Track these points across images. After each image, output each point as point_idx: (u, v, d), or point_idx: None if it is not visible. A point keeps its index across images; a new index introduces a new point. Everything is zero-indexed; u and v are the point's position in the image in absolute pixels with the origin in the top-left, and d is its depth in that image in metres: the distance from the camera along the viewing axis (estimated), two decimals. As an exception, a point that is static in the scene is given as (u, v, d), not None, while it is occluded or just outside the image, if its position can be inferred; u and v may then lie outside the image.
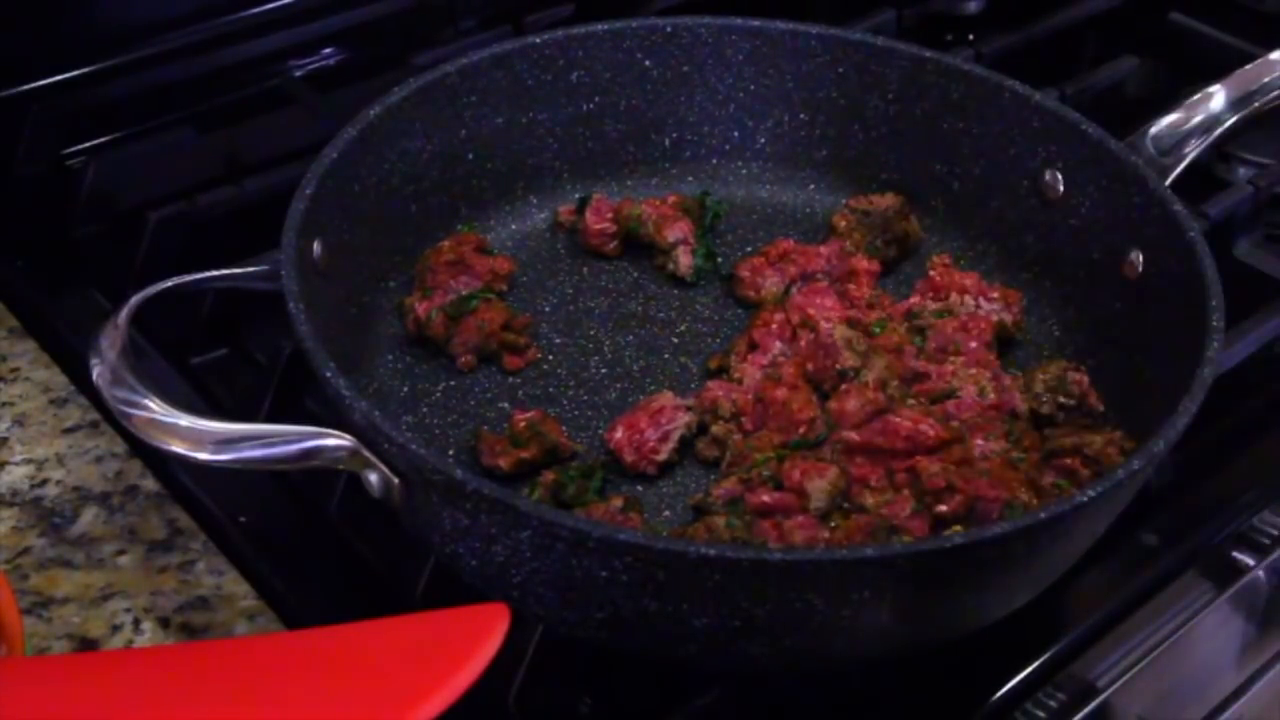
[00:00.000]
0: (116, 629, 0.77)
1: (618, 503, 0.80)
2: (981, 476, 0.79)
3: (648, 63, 1.01)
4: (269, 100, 1.13)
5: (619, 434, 0.85)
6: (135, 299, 0.78)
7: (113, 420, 0.81)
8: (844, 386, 0.85)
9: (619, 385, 0.91)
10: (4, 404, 0.90)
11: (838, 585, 0.67)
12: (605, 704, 0.76)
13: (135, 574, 0.80)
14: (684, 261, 0.98)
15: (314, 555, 0.82)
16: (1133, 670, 0.80)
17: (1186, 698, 0.88)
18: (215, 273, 0.83)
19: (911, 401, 0.85)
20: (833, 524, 0.79)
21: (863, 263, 0.96)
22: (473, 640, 0.59)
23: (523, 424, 0.84)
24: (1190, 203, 0.92)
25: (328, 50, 1.20)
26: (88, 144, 1.09)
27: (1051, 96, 0.99)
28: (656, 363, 0.92)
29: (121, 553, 0.81)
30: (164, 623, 0.77)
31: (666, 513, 0.83)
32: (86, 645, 0.76)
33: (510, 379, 0.91)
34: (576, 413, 0.89)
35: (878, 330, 0.90)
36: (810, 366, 0.87)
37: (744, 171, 1.05)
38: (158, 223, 0.98)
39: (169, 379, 0.90)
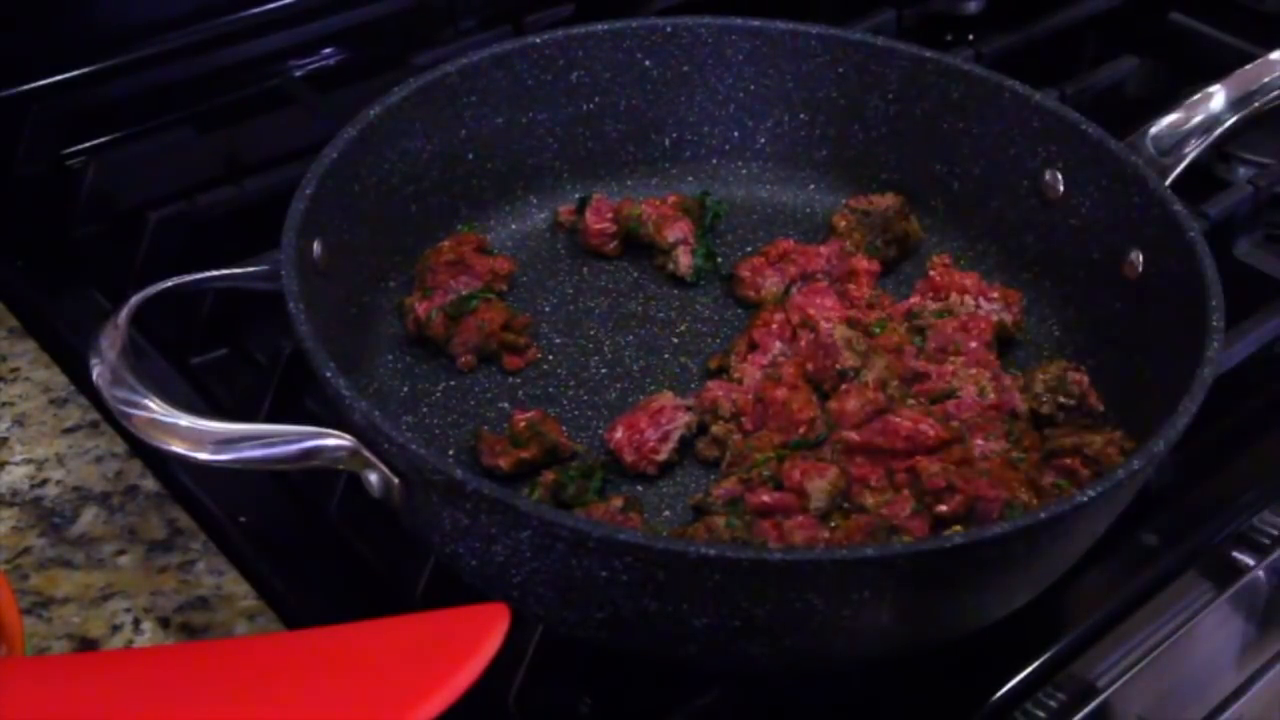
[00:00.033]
0: (116, 629, 0.77)
1: (618, 503, 0.80)
2: (981, 476, 0.79)
3: (648, 63, 1.01)
4: (269, 100, 1.13)
5: (619, 434, 0.85)
6: (135, 299, 0.78)
7: (113, 420, 0.81)
8: (844, 386, 0.85)
9: (619, 385, 0.91)
10: (4, 404, 0.90)
11: (838, 585, 0.67)
12: (605, 704, 0.76)
13: (135, 574, 0.80)
14: (684, 261, 0.98)
15: (314, 555, 0.82)
16: (1133, 670, 0.80)
17: (1186, 698, 0.88)
18: (215, 273, 0.83)
19: (911, 401, 0.85)
20: (833, 524, 0.79)
21: (863, 263, 0.96)
22: (473, 640, 0.59)
23: (523, 424, 0.84)
24: (1190, 203, 0.92)
25: (328, 50, 1.20)
26: (88, 144, 1.09)
27: (1051, 96, 0.99)
28: (656, 363, 0.92)
29: (121, 553, 0.81)
30: (164, 623, 0.77)
31: (666, 513, 0.83)
32: (86, 645, 0.76)
33: (510, 379, 0.91)
34: (576, 413, 0.89)
35: (878, 330, 0.90)
36: (810, 366, 0.87)
37: (744, 171, 1.05)
38: (158, 223, 0.98)
39: (169, 379, 0.90)
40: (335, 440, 0.71)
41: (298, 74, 1.18)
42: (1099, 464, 0.80)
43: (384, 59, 1.14)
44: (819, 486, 0.80)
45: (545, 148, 1.01)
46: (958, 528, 0.78)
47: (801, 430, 0.84)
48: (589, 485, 0.82)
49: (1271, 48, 1.01)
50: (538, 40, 0.98)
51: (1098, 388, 0.87)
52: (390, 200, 0.93)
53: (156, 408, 0.72)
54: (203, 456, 0.71)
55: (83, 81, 1.10)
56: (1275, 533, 0.87)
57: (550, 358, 0.92)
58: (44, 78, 1.09)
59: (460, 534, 0.71)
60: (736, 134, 1.04)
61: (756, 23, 1.01)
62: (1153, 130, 0.95)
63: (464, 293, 0.92)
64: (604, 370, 0.92)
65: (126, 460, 0.86)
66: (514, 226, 1.01)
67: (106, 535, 0.82)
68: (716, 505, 0.81)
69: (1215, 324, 0.78)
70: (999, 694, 0.77)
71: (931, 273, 0.96)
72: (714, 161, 1.04)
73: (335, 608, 0.77)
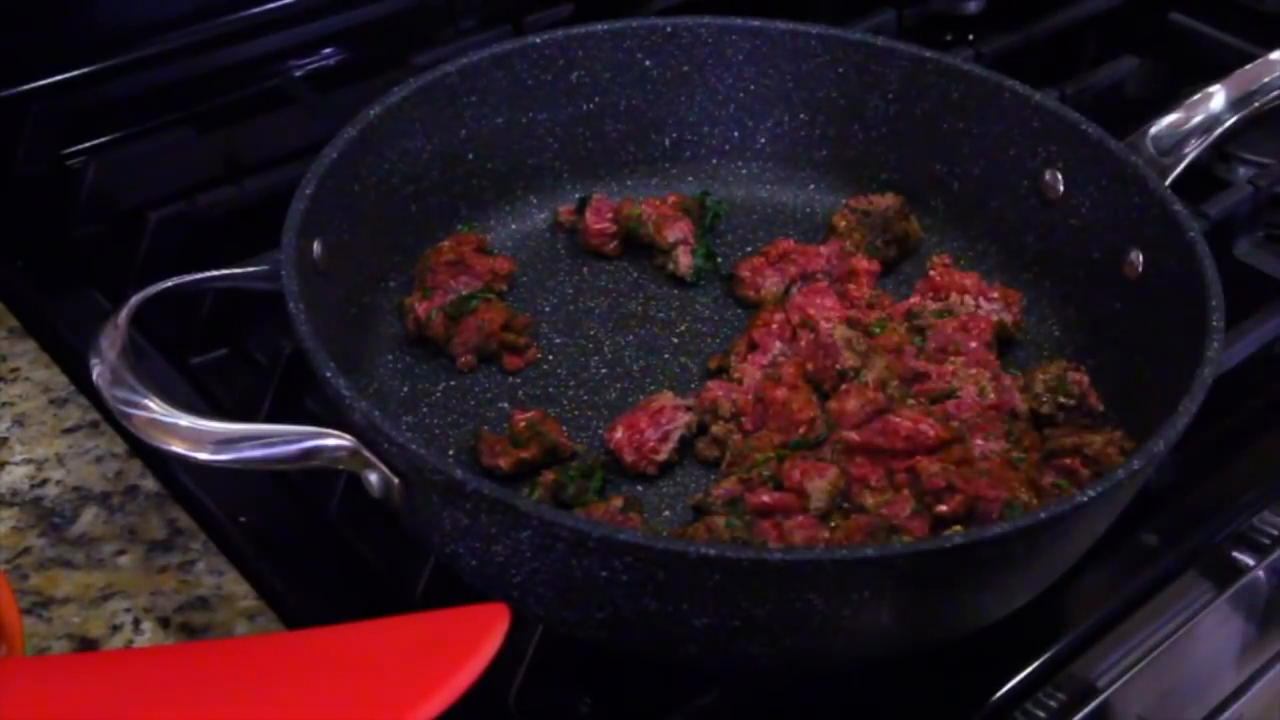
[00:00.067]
0: (116, 629, 0.77)
1: (618, 503, 0.80)
2: (981, 476, 0.79)
3: (648, 63, 1.01)
4: (269, 100, 1.13)
5: (619, 434, 0.85)
6: (135, 299, 0.78)
7: (113, 420, 0.81)
8: (844, 386, 0.85)
9: (619, 385, 0.91)
10: (4, 404, 0.90)
11: (838, 585, 0.67)
12: (605, 704, 0.76)
13: (135, 574, 0.80)
14: (684, 261, 0.98)
15: (314, 555, 0.82)
16: (1133, 670, 0.80)
17: (1186, 698, 0.88)
18: (215, 273, 0.83)
19: (911, 401, 0.85)
20: (833, 524, 0.79)
21: (863, 263, 0.96)
22: (473, 640, 0.59)
23: (523, 424, 0.84)
24: (1190, 203, 0.92)
25: (328, 50, 1.20)
26: (88, 144, 1.09)
27: (1051, 96, 0.99)
28: (656, 363, 0.92)
29: (121, 553, 0.81)
30: (164, 623, 0.77)
31: (666, 513, 0.83)
32: (86, 645, 0.76)
33: (510, 379, 0.91)
34: (576, 413, 0.89)
35: (878, 330, 0.90)
36: (810, 366, 0.87)
37: (744, 171, 1.05)
38: (158, 223, 0.98)
39: (169, 379, 0.90)
40: (335, 440, 0.71)
41: (298, 74, 1.18)
42: (1099, 464, 0.80)
43: (384, 59, 1.14)
44: (819, 486, 0.80)
45: (545, 148, 1.01)
46: (958, 528, 0.78)
47: (801, 430, 0.84)
48: (589, 485, 0.82)
49: (1271, 48, 1.01)
50: (538, 40, 0.98)
51: (1098, 388, 0.87)
52: (390, 200, 0.93)
53: (156, 408, 0.72)
54: (203, 456, 0.71)
55: (83, 81, 1.10)
56: (1275, 533, 0.87)
57: (550, 358, 0.92)
58: (44, 78, 1.09)
59: (460, 534, 0.71)
60: (736, 134, 1.04)
61: (756, 23, 1.01)
62: (1153, 130, 0.95)
63: (464, 293, 0.92)
64: (604, 370, 0.92)
65: (126, 460, 0.86)
66: (514, 226, 1.01)
67: (106, 535, 0.82)
68: (716, 505, 0.81)
69: (1215, 324, 0.78)
70: (999, 694, 0.77)
71: (931, 273, 0.96)
72: (714, 161, 1.04)
73: (335, 608, 0.77)
